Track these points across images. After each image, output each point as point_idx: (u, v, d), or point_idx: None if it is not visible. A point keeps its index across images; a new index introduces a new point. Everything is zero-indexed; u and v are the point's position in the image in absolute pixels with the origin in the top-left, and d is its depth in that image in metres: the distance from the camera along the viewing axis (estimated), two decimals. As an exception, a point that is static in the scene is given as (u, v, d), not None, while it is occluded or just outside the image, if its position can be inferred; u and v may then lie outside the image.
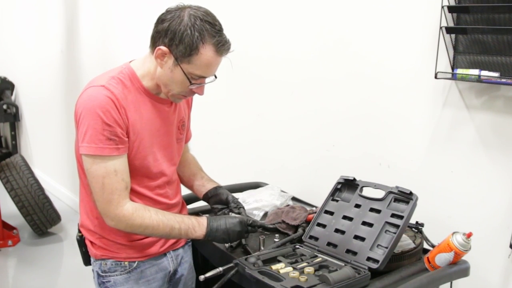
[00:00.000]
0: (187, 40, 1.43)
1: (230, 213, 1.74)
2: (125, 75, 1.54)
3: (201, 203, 2.00)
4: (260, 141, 2.64)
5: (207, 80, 1.54)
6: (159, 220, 1.52)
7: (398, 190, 1.58)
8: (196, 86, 1.53)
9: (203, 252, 1.84)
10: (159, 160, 1.62)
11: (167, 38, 1.45)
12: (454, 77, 1.74)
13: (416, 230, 1.69)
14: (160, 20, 1.48)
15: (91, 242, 1.66)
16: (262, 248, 1.65)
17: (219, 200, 1.79)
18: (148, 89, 1.57)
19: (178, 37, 1.43)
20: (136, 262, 1.65)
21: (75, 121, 1.52)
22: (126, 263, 1.64)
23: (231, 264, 1.48)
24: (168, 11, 1.48)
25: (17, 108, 5.64)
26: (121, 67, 1.58)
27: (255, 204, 1.96)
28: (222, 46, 1.47)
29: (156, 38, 1.48)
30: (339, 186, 1.74)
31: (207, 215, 1.88)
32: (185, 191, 1.89)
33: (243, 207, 1.78)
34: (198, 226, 1.57)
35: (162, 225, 1.52)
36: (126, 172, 1.52)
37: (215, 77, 1.55)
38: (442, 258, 1.49)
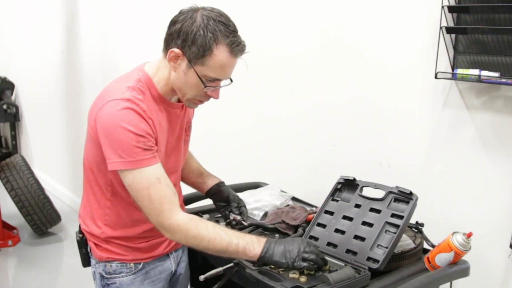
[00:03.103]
0: (200, 40, 1.39)
1: (231, 214, 1.73)
2: (143, 83, 1.50)
3: (201, 203, 2.00)
4: (260, 141, 2.64)
5: (222, 83, 1.50)
6: (216, 233, 1.42)
7: (398, 190, 1.58)
8: (211, 90, 1.48)
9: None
10: (168, 165, 1.59)
11: (180, 39, 1.42)
12: (454, 77, 1.74)
13: (416, 230, 1.69)
14: (173, 22, 1.45)
15: (95, 244, 1.64)
16: (262, 248, 1.64)
17: (220, 199, 1.78)
18: (163, 96, 1.53)
19: (191, 38, 1.40)
20: (142, 263, 1.64)
21: (93, 133, 1.47)
22: (131, 264, 1.63)
23: (231, 264, 1.48)
24: (180, 13, 1.45)
25: (17, 108, 5.64)
26: (137, 73, 1.53)
27: (255, 204, 1.96)
28: (236, 46, 1.43)
29: (169, 41, 1.45)
30: (339, 186, 1.74)
31: (207, 215, 1.89)
32: (185, 191, 1.88)
33: (245, 206, 1.77)
34: (258, 242, 1.44)
35: (219, 238, 1.42)
36: (167, 178, 1.47)
37: (231, 80, 1.52)
38: (442, 258, 1.49)
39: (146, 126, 1.43)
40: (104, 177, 1.54)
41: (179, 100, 1.58)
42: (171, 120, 1.58)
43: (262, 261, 1.43)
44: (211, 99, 1.54)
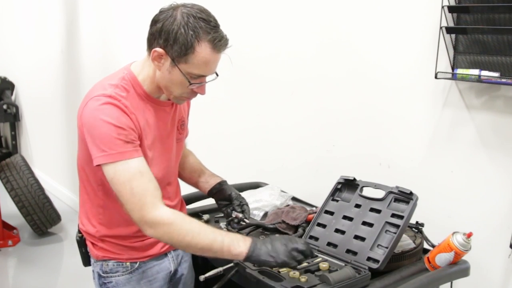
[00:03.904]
0: (182, 39, 1.40)
1: (233, 212, 1.72)
2: (127, 81, 1.51)
3: (201, 203, 2.00)
4: (260, 141, 2.64)
5: (207, 78, 1.51)
6: (201, 228, 1.40)
7: (398, 190, 1.58)
8: (197, 86, 1.50)
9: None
10: (160, 163, 1.61)
11: (162, 39, 1.42)
12: (454, 77, 1.75)
13: (416, 230, 1.69)
14: (154, 21, 1.45)
15: (92, 243, 1.65)
16: (262, 248, 1.64)
17: (222, 197, 1.78)
18: (149, 94, 1.54)
19: (172, 37, 1.40)
20: (138, 263, 1.64)
21: (80, 132, 1.49)
22: (127, 263, 1.63)
23: (231, 264, 1.48)
24: (161, 11, 1.45)
25: (17, 108, 5.64)
26: (122, 72, 1.55)
27: (255, 204, 1.96)
28: (218, 42, 1.43)
29: (151, 40, 1.46)
30: (339, 186, 1.74)
31: (207, 215, 1.89)
32: (184, 191, 1.89)
33: (247, 204, 1.77)
34: (243, 240, 1.41)
35: (204, 234, 1.39)
36: (150, 172, 1.46)
37: (217, 74, 1.52)
38: (442, 258, 1.49)
39: (127, 120, 1.44)
40: (94, 175, 1.55)
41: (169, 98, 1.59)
42: (160, 118, 1.58)
43: (249, 261, 1.40)
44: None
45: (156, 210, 1.40)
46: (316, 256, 1.45)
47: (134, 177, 1.41)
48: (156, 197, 1.42)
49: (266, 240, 1.41)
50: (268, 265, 1.40)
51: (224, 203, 1.78)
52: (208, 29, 1.41)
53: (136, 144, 1.45)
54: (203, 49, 1.42)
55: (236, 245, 1.39)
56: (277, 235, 1.46)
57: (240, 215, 1.72)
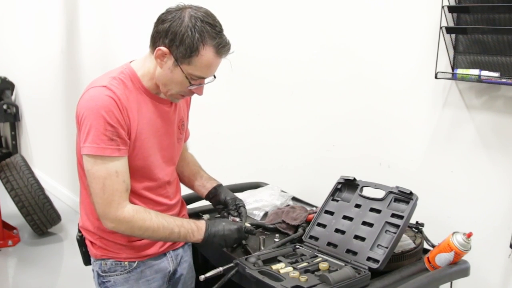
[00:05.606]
0: (188, 41, 1.43)
1: (230, 216, 1.74)
2: (126, 75, 1.54)
3: (201, 203, 2.00)
4: (260, 141, 2.64)
5: (206, 80, 1.55)
6: (159, 223, 1.52)
7: (398, 190, 1.58)
8: (196, 87, 1.53)
9: (203, 252, 1.85)
10: (160, 160, 1.62)
11: (168, 39, 1.45)
12: (454, 77, 1.75)
13: (416, 230, 1.69)
14: (161, 21, 1.48)
15: (91, 242, 1.66)
16: (262, 248, 1.65)
17: (218, 202, 1.80)
18: (148, 89, 1.57)
19: (179, 38, 1.44)
20: (136, 262, 1.65)
21: (76, 122, 1.52)
22: (126, 263, 1.64)
23: (231, 264, 1.48)
24: (168, 11, 1.48)
25: (17, 108, 5.64)
26: (121, 67, 1.58)
27: (255, 204, 1.96)
28: (222, 47, 1.47)
29: (156, 38, 1.49)
30: (339, 186, 1.74)
31: (207, 215, 1.89)
32: (185, 191, 1.89)
33: (244, 206, 1.78)
34: (197, 231, 1.58)
35: (162, 228, 1.53)
36: (127, 174, 1.52)
37: (214, 77, 1.56)
38: (442, 258, 1.49)
39: (119, 115, 1.47)
40: None
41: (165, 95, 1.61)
42: (158, 114, 1.60)
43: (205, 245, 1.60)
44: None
45: (120, 209, 1.49)
46: (254, 233, 1.65)
47: (109, 175, 1.47)
48: (123, 197, 1.50)
49: (219, 230, 1.57)
50: (219, 248, 1.64)
51: (221, 208, 1.80)
52: (214, 34, 1.45)
53: (120, 142, 1.48)
54: (207, 53, 1.46)
55: (191, 235, 1.57)
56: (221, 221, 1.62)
57: (237, 219, 1.73)
